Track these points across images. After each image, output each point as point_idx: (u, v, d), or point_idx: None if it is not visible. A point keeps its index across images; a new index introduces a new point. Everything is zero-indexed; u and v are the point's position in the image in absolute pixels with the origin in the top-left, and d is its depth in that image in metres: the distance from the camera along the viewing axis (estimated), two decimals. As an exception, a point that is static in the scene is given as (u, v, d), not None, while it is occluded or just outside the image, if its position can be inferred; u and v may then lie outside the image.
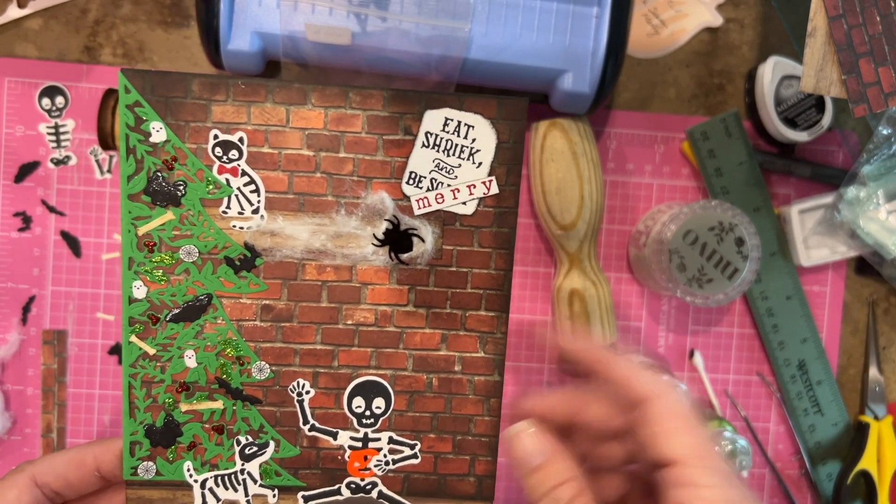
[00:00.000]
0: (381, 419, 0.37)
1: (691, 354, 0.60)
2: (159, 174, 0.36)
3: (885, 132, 0.56)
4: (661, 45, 0.60)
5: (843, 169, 0.59)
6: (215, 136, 0.35)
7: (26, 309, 0.56)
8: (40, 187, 0.56)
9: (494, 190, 0.36)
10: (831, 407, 0.60)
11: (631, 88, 0.60)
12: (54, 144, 0.56)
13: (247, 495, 0.38)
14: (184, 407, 0.37)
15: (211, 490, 0.38)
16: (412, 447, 0.38)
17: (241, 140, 0.36)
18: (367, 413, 0.37)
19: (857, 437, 0.60)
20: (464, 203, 0.36)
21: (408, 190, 0.36)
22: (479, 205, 0.36)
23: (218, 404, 0.37)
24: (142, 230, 0.36)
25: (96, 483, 0.39)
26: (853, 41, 0.49)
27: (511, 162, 0.36)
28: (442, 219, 0.36)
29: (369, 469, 0.38)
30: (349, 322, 0.37)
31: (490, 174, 0.36)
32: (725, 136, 0.58)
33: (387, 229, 0.36)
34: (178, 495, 0.38)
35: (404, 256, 0.36)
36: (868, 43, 0.49)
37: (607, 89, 0.51)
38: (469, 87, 0.55)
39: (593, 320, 0.56)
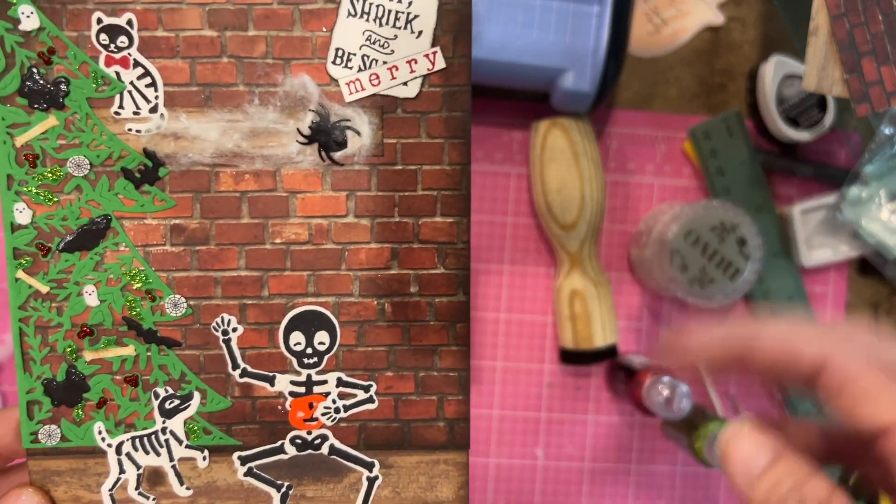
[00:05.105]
0: (326, 357, 0.32)
1: (692, 355, 0.60)
2: (35, 70, 0.30)
3: (887, 132, 0.55)
4: (663, 43, 0.59)
5: (846, 169, 0.59)
6: (99, 21, 0.30)
7: None
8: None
9: (440, 64, 0.30)
10: (833, 408, 0.60)
11: (632, 87, 0.59)
12: None
13: (172, 459, 0.32)
14: (88, 356, 0.32)
15: (129, 455, 0.32)
16: (366, 389, 0.32)
17: (129, 23, 0.30)
18: (309, 350, 0.32)
19: (859, 438, 0.59)
20: (405, 83, 0.30)
21: (335, 71, 0.30)
22: (423, 84, 0.30)
23: (128, 350, 0.32)
24: (20, 140, 0.30)
25: None
26: (855, 40, 0.49)
27: (458, 28, 0.29)
28: (380, 105, 0.30)
29: (316, 419, 0.32)
30: (278, 241, 0.31)
31: (433, 45, 0.30)
32: (727, 136, 0.58)
33: (313, 122, 0.30)
34: (89, 464, 0.32)
35: (337, 155, 0.30)
36: (870, 42, 0.49)
37: (608, 88, 0.51)
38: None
39: (594, 321, 0.55)
